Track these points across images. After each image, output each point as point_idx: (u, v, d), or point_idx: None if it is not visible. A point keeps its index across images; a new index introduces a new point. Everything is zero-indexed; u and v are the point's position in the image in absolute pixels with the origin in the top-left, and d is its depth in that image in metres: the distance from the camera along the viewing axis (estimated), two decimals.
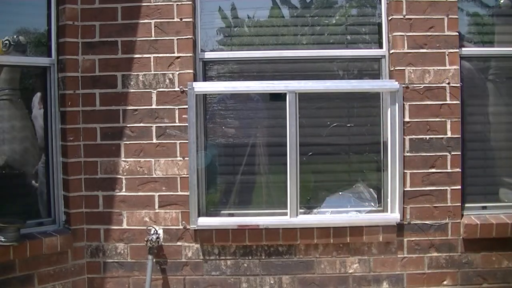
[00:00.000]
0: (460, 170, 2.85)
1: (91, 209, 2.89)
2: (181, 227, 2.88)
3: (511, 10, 3.05)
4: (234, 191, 3.07)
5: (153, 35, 2.85)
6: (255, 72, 3.05)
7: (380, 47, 2.96)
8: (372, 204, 2.98)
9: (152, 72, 2.86)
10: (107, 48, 2.85)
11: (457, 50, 2.82)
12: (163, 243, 2.87)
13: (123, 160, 2.88)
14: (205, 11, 2.99)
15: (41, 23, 2.89)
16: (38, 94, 2.95)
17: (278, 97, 2.86)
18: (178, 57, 2.85)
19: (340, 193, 2.98)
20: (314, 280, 2.90)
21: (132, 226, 2.89)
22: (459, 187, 2.86)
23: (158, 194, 2.88)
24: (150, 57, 2.86)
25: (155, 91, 2.86)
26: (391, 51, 2.88)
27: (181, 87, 2.85)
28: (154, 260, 2.82)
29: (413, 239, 2.87)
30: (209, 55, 2.99)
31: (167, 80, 2.86)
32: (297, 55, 3.03)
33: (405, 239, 2.88)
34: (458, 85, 2.83)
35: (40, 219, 2.89)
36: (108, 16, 2.85)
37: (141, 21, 2.85)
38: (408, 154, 2.83)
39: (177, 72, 2.85)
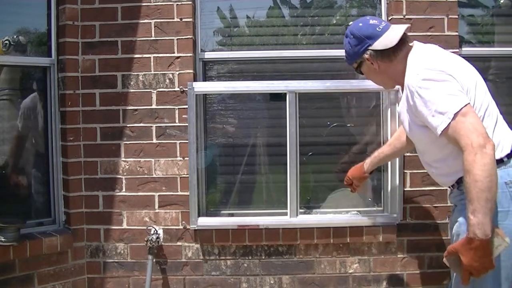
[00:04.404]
0: None
1: (91, 209, 2.89)
2: (181, 227, 2.88)
3: (511, 10, 3.05)
4: (234, 191, 3.07)
5: (153, 35, 2.85)
6: (255, 72, 3.05)
7: None
8: (372, 204, 2.98)
9: (152, 72, 2.86)
10: (107, 48, 2.85)
11: (457, 50, 2.81)
12: (163, 243, 2.87)
13: (123, 160, 2.88)
14: (205, 11, 2.99)
15: (41, 23, 2.88)
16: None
17: (278, 97, 2.86)
18: (178, 57, 2.85)
19: (340, 191, 2.98)
20: (314, 280, 2.91)
21: (132, 226, 2.89)
22: None
23: (158, 194, 2.88)
24: (150, 57, 2.86)
25: (155, 91, 2.86)
26: None
27: (181, 87, 2.85)
28: (154, 260, 2.82)
29: (413, 239, 2.88)
30: (209, 55, 2.99)
31: (167, 80, 2.86)
32: (297, 55, 3.03)
33: (405, 239, 2.88)
34: None
35: (40, 219, 2.89)
36: (108, 16, 2.85)
37: (141, 21, 2.85)
38: (408, 154, 2.83)
39: (177, 72, 2.85)
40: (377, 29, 2.02)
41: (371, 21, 2.07)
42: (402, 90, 2.07)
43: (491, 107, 1.93)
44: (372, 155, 2.59)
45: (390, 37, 2.00)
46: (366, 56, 2.04)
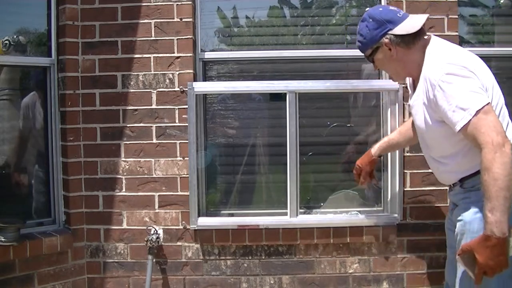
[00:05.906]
0: None
1: (91, 209, 2.89)
2: (181, 227, 2.88)
3: (511, 10, 3.05)
4: (234, 191, 3.07)
5: (153, 35, 2.85)
6: (255, 72, 3.05)
7: None
8: (372, 204, 2.98)
9: (152, 72, 2.86)
10: (107, 48, 2.85)
11: None
12: (163, 243, 2.87)
13: (123, 160, 2.88)
14: (205, 11, 2.99)
15: (41, 23, 2.88)
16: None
17: (278, 97, 2.86)
18: (178, 57, 2.85)
19: (340, 193, 2.98)
20: (314, 280, 2.91)
21: (132, 226, 2.89)
22: None
23: (158, 194, 2.88)
24: (150, 57, 2.86)
25: (155, 91, 2.86)
26: None
27: (181, 87, 2.85)
28: (154, 260, 2.82)
29: (413, 239, 2.87)
30: (209, 55, 2.99)
31: (167, 80, 2.86)
32: (297, 55, 3.03)
33: (405, 239, 2.88)
34: None
35: (40, 219, 2.89)
36: (108, 16, 2.84)
37: (141, 21, 2.85)
38: (408, 154, 2.83)
39: (177, 72, 2.85)
40: (398, 15, 2.02)
41: (391, 7, 2.11)
42: (414, 82, 2.07)
43: (504, 109, 1.94)
44: (381, 141, 2.56)
45: (411, 23, 2.00)
46: (385, 40, 2.01)
